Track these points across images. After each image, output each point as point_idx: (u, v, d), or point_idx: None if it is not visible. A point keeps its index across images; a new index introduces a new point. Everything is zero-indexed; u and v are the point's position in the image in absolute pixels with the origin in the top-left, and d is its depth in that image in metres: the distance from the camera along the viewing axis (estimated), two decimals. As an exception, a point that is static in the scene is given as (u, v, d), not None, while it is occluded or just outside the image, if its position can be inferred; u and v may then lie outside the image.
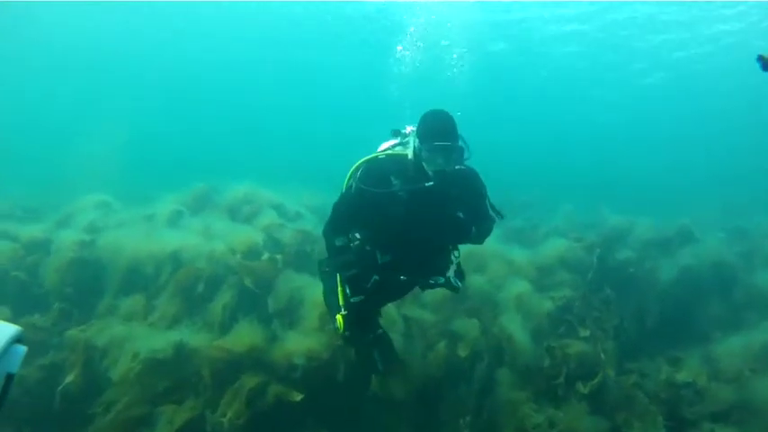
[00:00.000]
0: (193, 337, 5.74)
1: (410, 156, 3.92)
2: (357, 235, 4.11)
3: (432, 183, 3.71)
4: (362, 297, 4.11)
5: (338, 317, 4.23)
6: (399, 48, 18.32)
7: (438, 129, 3.74)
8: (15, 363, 1.65)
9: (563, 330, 6.93)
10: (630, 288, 8.26)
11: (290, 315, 6.31)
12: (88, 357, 5.79)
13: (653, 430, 5.76)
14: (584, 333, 6.80)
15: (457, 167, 3.91)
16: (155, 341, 5.52)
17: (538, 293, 7.40)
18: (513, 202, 14.21)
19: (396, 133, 4.40)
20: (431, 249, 4.20)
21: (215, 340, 5.65)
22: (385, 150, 4.30)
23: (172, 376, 5.36)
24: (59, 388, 5.60)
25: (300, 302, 6.28)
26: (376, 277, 4.08)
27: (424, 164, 3.80)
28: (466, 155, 3.91)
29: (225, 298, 6.48)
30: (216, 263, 6.96)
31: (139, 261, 7.17)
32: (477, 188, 4.15)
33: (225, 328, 6.10)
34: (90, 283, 7.19)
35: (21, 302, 6.93)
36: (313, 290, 6.07)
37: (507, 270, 7.86)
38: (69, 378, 5.66)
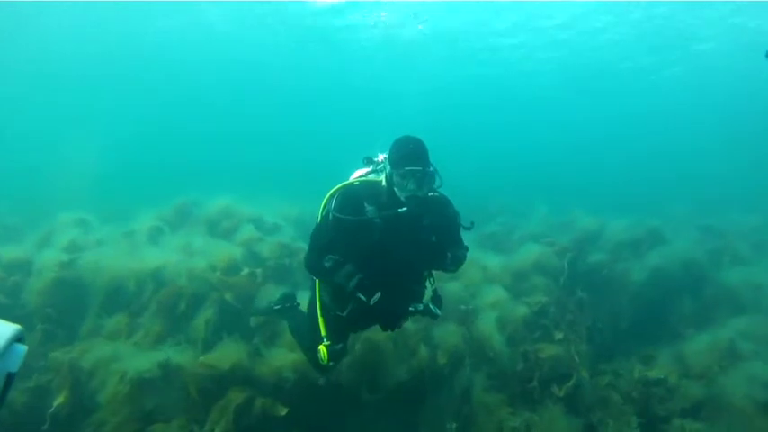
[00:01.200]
0: (178, 355, 5.79)
1: (383, 182, 3.98)
2: (331, 256, 3.92)
3: (405, 209, 3.74)
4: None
5: (321, 348, 4.11)
6: (383, 14, 19.02)
7: (409, 154, 3.78)
8: (16, 362, 1.63)
9: (539, 335, 7.11)
10: (604, 290, 8.44)
11: (271, 329, 6.43)
12: (75, 379, 5.79)
13: (626, 428, 5.98)
14: (559, 336, 6.99)
15: (430, 194, 3.93)
16: (140, 361, 5.56)
17: (513, 299, 7.54)
18: (488, 206, 14.46)
19: (368, 161, 4.40)
20: (406, 275, 4.17)
21: (199, 357, 5.73)
22: (359, 177, 4.33)
23: (159, 395, 5.43)
24: (50, 411, 5.61)
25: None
26: (354, 305, 3.94)
27: (395, 189, 3.84)
28: (438, 182, 3.92)
29: (207, 314, 6.54)
30: (197, 280, 7.00)
31: (121, 280, 7.19)
32: (451, 215, 4.14)
33: (208, 344, 6.18)
34: (73, 304, 7.19)
35: (3, 325, 6.90)
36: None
37: (482, 276, 8.03)
38: (58, 400, 5.65)
